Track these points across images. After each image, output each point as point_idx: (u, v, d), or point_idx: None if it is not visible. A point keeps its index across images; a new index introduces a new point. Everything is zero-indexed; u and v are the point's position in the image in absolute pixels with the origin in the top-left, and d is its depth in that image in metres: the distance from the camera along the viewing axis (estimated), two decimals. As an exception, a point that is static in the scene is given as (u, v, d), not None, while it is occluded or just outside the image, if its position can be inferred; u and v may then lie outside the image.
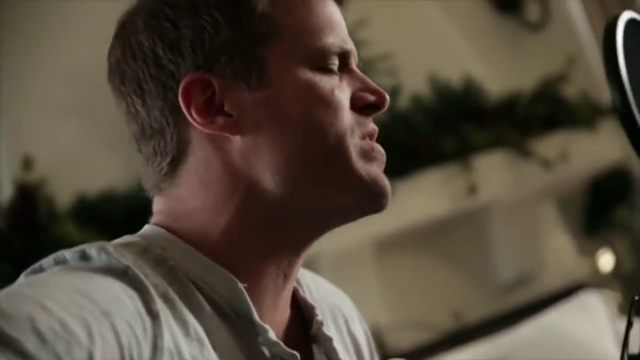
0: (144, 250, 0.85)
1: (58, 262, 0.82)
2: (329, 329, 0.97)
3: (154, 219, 0.91)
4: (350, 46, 0.91)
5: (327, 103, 0.87)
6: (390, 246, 3.18)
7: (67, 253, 0.83)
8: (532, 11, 3.78)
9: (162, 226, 0.89)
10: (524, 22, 3.77)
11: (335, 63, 0.89)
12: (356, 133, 0.88)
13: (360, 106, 0.89)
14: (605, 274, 3.62)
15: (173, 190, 0.89)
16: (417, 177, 3.14)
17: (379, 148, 0.90)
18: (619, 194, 3.76)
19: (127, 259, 0.81)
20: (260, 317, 0.86)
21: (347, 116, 0.88)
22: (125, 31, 0.90)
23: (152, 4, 0.89)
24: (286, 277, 0.90)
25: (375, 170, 0.89)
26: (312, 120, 0.86)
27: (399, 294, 3.25)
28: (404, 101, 3.36)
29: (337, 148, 0.86)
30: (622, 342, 0.74)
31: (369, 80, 0.91)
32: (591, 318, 2.77)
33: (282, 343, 0.86)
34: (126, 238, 0.88)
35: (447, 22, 3.60)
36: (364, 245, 3.11)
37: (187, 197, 0.88)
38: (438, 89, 3.44)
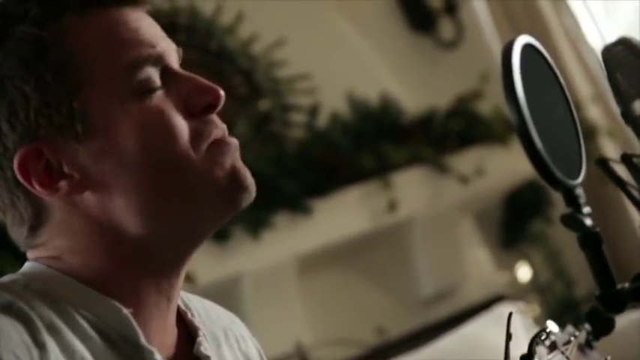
0: (26, 286, 0.85)
1: None
2: (221, 348, 0.99)
3: (33, 256, 0.91)
4: (160, 48, 0.87)
5: (159, 129, 0.85)
6: (312, 264, 3.20)
7: None
8: (446, 30, 3.86)
9: (42, 264, 0.89)
10: (439, 40, 3.85)
11: (149, 78, 0.86)
12: (200, 145, 0.86)
13: (197, 112, 0.87)
14: (523, 286, 3.69)
15: (42, 246, 0.89)
16: (337, 194, 3.17)
17: (227, 140, 0.88)
18: (534, 207, 3.83)
19: (11, 294, 0.81)
20: (149, 341, 0.87)
21: (184, 133, 0.85)
22: None
23: None
24: (169, 300, 0.91)
25: (227, 161, 0.87)
26: (150, 151, 0.84)
27: (322, 311, 3.27)
28: (323, 120, 3.39)
29: (183, 168, 0.85)
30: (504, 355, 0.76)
31: (196, 78, 0.88)
32: (507, 329, 2.82)
33: None
34: (7, 277, 0.88)
35: (363, 41, 3.65)
36: (286, 264, 3.12)
37: (57, 246, 0.88)
38: (356, 107, 3.49)
